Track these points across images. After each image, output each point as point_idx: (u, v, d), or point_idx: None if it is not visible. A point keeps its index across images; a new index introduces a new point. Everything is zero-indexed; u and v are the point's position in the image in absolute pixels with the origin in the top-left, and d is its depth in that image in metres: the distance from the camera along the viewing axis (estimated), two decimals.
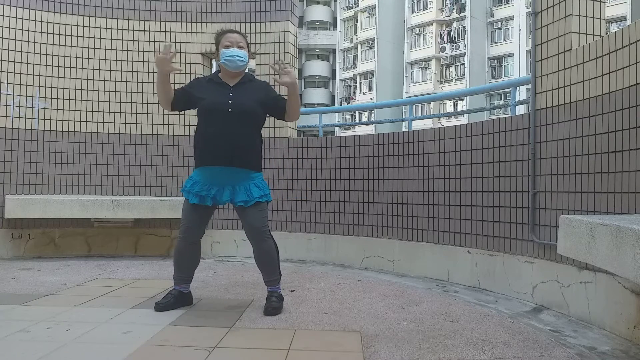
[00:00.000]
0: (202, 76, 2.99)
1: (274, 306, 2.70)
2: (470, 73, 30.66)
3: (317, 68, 37.66)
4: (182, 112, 4.76)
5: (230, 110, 2.67)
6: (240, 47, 2.74)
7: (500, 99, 28.30)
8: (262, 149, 2.86)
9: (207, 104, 2.71)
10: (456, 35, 32.15)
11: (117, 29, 4.80)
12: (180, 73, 4.77)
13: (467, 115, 21.79)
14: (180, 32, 4.85)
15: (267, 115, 2.86)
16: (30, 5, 4.60)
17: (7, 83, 4.50)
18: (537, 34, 3.19)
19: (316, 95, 36.91)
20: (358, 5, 36.06)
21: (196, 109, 2.79)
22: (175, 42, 4.85)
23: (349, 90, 36.88)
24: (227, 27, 2.93)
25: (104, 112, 4.74)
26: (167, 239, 4.76)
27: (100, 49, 4.76)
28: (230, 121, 2.65)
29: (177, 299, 2.78)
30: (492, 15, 31.64)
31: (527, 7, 26.36)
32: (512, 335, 2.41)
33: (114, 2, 4.80)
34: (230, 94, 2.72)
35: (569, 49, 2.93)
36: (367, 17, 35.30)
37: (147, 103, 4.81)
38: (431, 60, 32.83)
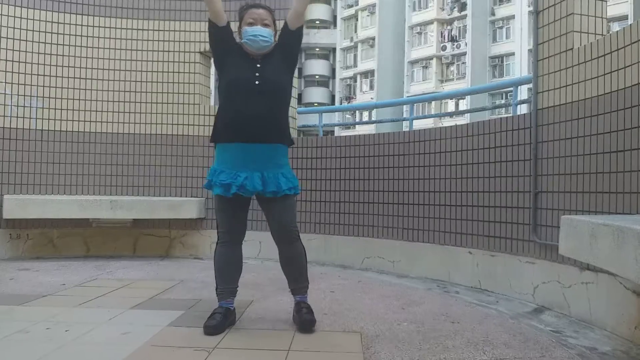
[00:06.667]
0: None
1: (307, 319, 2.42)
2: (472, 72, 30.64)
3: (317, 67, 37.65)
4: (183, 112, 4.77)
5: (257, 82, 2.42)
6: (266, 25, 2.45)
7: (502, 99, 28.28)
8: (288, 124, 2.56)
9: (231, 78, 2.46)
10: (457, 34, 32.13)
11: (117, 28, 4.78)
12: (179, 73, 4.81)
13: (469, 114, 21.77)
14: (180, 31, 4.83)
15: (287, 43, 2.53)
16: (30, 5, 4.58)
17: (6, 83, 4.49)
18: (538, 33, 3.17)
19: (316, 94, 36.91)
20: (358, 4, 36.04)
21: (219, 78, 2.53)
22: (175, 41, 4.84)
23: (349, 89, 36.86)
24: (252, 2, 2.57)
25: (102, 112, 4.73)
26: (166, 239, 4.74)
27: (99, 48, 4.75)
28: (255, 96, 2.41)
29: (226, 316, 2.44)
30: (493, 14, 31.60)
31: (529, 6, 26.31)
32: (513, 335, 2.40)
33: (114, 2, 4.78)
34: (258, 65, 2.46)
35: (570, 48, 2.91)
36: (368, 15, 35.29)
37: (147, 103, 4.79)
38: (432, 59, 32.81)
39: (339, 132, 25.79)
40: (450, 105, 29.55)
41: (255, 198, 2.51)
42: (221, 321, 2.40)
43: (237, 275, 2.56)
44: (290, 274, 2.57)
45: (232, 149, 2.42)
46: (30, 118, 4.57)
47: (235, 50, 2.52)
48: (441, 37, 32.79)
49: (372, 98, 32.34)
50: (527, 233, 3.20)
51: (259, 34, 2.43)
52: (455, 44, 31.87)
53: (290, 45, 2.55)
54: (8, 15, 4.51)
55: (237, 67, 2.47)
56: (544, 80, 3.10)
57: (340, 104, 35.06)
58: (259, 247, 4.47)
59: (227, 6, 4.75)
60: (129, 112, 4.77)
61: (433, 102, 29.57)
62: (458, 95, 23.34)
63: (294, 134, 4.88)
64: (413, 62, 33.91)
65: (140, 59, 4.81)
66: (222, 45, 2.53)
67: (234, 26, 2.56)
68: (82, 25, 4.73)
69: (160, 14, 4.84)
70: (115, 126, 4.74)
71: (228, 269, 2.53)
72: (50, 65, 4.63)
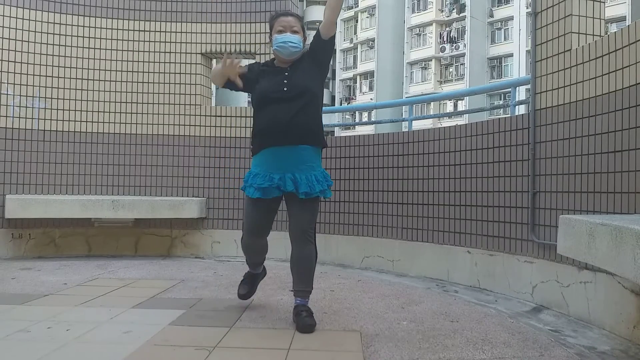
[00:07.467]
0: (256, 62, 2.79)
1: (308, 323, 2.42)
2: (470, 73, 30.66)
3: None
4: (184, 113, 4.79)
5: (285, 89, 2.52)
6: (295, 32, 2.55)
7: (500, 99, 28.31)
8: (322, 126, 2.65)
9: (260, 90, 2.56)
10: (456, 36, 32.16)
11: (117, 29, 4.80)
12: (181, 74, 4.83)
13: (467, 115, 21.78)
14: (180, 32, 4.85)
15: (320, 49, 2.63)
16: (31, 5, 4.60)
17: (7, 83, 4.50)
18: (536, 34, 3.19)
19: None
20: (358, 6, 36.07)
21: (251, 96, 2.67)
22: (177, 43, 4.86)
23: (349, 90, 36.88)
24: (281, 11, 2.80)
25: (104, 112, 4.75)
26: (167, 238, 4.76)
27: (100, 49, 4.76)
28: (285, 101, 2.50)
29: (253, 279, 2.84)
30: (491, 16, 31.64)
31: (527, 7, 26.35)
32: (512, 335, 2.41)
33: (114, 2, 4.80)
34: (286, 74, 2.56)
35: (568, 49, 2.93)
36: (367, 17, 35.31)
37: (147, 103, 4.81)
38: (431, 60, 32.83)
39: (339, 132, 25.78)
40: (449, 106, 29.58)
41: (284, 199, 2.57)
42: (249, 286, 2.81)
43: (263, 255, 2.80)
44: (296, 274, 2.60)
45: (264, 154, 2.52)
46: (32, 118, 4.58)
47: (260, 74, 2.62)
48: (440, 38, 32.82)
49: (371, 99, 32.35)
50: (525, 233, 3.22)
51: (289, 41, 2.53)
52: (454, 45, 31.90)
53: (323, 51, 2.64)
54: (10, 17, 4.52)
55: (266, 80, 2.58)
56: (543, 81, 3.12)
57: (340, 104, 35.05)
58: None
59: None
60: (131, 113, 4.79)
61: (432, 103, 29.61)
62: (457, 96, 23.36)
63: None
64: (412, 63, 33.93)
65: (142, 60, 4.82)
66: (250, 84, 2.62)
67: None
68: (84, 26, 4.74)
69: (162, 15, 4.85)
70: (116, 126, 4.76)
71: (254, 254, 2.77)
72: (52, 66, 4.65)
